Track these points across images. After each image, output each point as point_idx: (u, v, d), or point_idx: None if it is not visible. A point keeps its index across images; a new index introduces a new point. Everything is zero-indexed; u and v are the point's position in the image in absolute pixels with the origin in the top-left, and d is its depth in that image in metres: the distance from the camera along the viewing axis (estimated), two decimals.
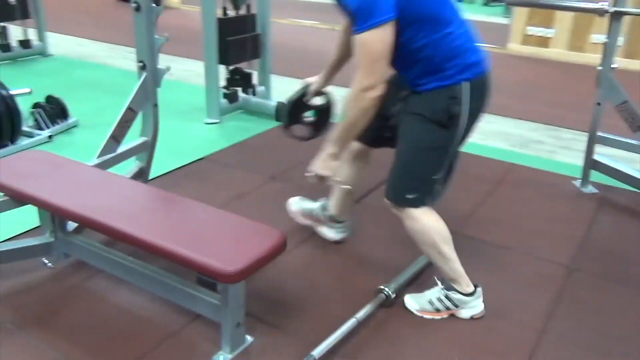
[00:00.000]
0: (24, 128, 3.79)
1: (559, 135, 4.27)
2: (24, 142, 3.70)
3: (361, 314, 2.11)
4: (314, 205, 2.62)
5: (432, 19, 1.84)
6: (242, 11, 4.25)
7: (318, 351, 1.91)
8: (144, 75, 2.65)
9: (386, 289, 2.21)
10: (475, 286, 2.15)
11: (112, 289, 2.29)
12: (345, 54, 2.30)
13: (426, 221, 2.05)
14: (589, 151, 3.16)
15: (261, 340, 2.05)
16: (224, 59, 4.19)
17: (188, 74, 5.45)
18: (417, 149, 2.00)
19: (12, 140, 3.62)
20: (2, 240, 2.50)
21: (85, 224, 2.11)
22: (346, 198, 2.51)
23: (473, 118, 1.97)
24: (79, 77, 5.26)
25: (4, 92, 3.54)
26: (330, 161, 2.08)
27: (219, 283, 1.79)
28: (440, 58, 1.86)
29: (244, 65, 4.44)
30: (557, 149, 4.00)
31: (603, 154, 3.26)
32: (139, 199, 2.17)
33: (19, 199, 2.19)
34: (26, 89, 4.18)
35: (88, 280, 2.33)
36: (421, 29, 1.83)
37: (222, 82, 4.33)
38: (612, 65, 2.92)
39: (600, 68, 2.96)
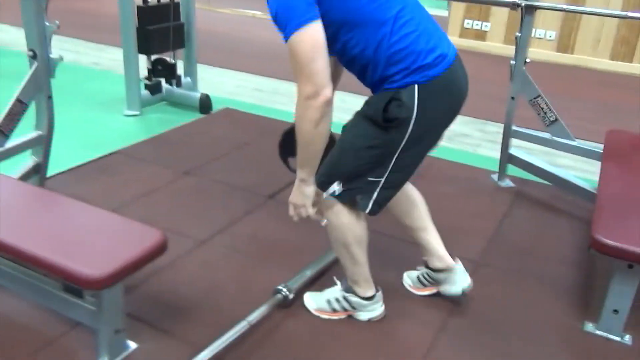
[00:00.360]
0: None
1: (485, 128, 4.27)
2: None
3: (253, 316, 2.02)
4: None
5: (360, 21, 1.66)
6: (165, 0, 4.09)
7: (200, 357, 1.82)
8: (35, 65, 2.48)
9: (284, 289, 2.13)
10: (377, 290, 2.08)
11: None
12: (334, 76, 1.93)
13: (346, 220, 1.90)
14: (505, 145, 3.15)
15: (146, 347, 1.95)
16: (144, 49, 4.02)
17: (115, 64, 5.24)
18: (350, 143, 1.82)
19: None
20: None
21: None
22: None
23: (434, 122, 1.80)
24: (2, 65, 4.99)
25: None
26: (302, 188, 1.83)
27: (84, 290, 1.66)
28: (383, 63, 1.70)
29: (169, 55, 4.28)
30: (483, 143, 4.00)
31: (521, 147, 3.26)
32: (12, 200, 2.02)
33: None
34: None
35: None
36: (352, 33, 1.68)
37: (145, 73, 4.17)
38: (525, 60, 2.90)
39: (513, 62, 2.94)
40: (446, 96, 1.78)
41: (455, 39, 6.79)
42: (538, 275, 2.48)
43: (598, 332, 2.14)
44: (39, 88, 2.52)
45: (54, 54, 2.53)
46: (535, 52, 6.35)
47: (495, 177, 3.31)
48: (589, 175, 3.31)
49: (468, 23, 6.68)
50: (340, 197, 1.87)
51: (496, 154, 3.48)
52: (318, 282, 2.29)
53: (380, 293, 2.10)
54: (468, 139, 4.06)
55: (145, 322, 2.05)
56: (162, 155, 3.44)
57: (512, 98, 3.01)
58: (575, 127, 3.22)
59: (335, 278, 2.15)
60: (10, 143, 2.52)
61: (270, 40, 6.61)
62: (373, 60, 1.71)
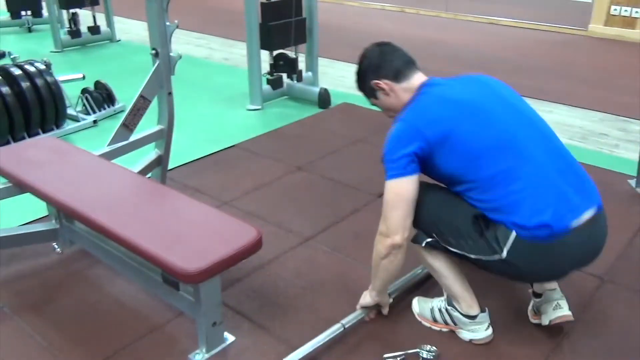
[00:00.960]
0: (72, 113, 3.92)
1: (627, 127, 3.86)
2: (69, 126, 3.82)
3: (348, 319, 1.98)
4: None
5: (471, 178, 1.76)
6: None
7: (293, 356, 1.81)
8: (157, 63, 2.62)
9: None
10: (482, 310, 1.94)
11: (109, 279, 2.29)
12: None
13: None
14: None
15: (243, 340, 1.98)
16: (266, 44, 4.12)
17: (244, 59, 5.43)
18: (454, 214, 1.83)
19: (57, 125, 3.76)
20: (16, 225, 2.58)
21: (69, 214, 2.12)
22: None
23: (525, 271, 1.78)
24: (138, 63, 5.38)
25: (49, 79, 3.67)
26: (367, 295, 2.03)
27: (181, 283, 1.72)
28: (485, 210, 1.76)
29: (290, 50, 4.35)
30: (622, 143, 3.62)
31: None
32: (127, 192, 2.14)
33: (20, 186, 2.24)
34: (79, 75, 4.34)
35: (89, 268, 2.36)
36: (458, 188, 1.80)
37: (267, 68, 4.27)
38: None
39: None
40: (548, 259, 1.72)
41: (599, 28, 6.22)
42: None
43: None
44: (161, 85, 2.66)
45: (174, 52, 2.65)
46: None
47: (633, 182, 2.97)
48: None
49: (615, 9, 6.08)
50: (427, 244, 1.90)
51: (636, 156, 3.12)
52: (430, 290, 2.18)
53: (486, 315, 1.94)
54: (605, 139, 3.69)
55: (244, 316, 2.09)
56: (277, 150, 3.50)
57: None
58: None
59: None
60: (135, 137, 2.69)
61: (396, 33, 6.52)
62: (479, 206, 1.77)
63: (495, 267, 1.77)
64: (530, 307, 2.06)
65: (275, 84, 4.32)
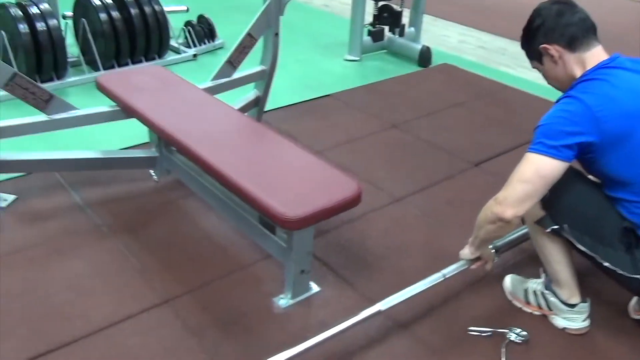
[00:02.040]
0: (174, 44, 3.97)
1: None
2: (170, 57, 3.88)
3: (450, 269, 1.87)
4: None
5: (633, 185, 1.62)
6: None
7: (386, 304, 1.74)
8: (267, 2, 2.57)
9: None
10: (583, 300, 1.84)
11: (202, 212, 2.33)
12: None
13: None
14: None
15: (327, 292, 1.97)
16: None
17: (344, 7, 5.31)
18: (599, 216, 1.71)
19: (160, 55, 3.82)
20: (117, 149, 2.67)
21: (173, 144, 2.14)
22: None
23: None
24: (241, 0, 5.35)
25: (157, 7, 3.71)
26: (467, 248, 1.88)
27: (278, 227, 1.71)
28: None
29: (395, 2, 4.19)
30: None
31: None
32: (231, 130, 2.15)
33: (127, 110, 2.28)
34: (183, 7, 4.37)
35: (183, 198, 2.41)
36: (620, 193, 1.65)
37: (370, 19, 4.15)
38: None
39: None
40: None
41: None
42: None
43: None
44: (269, 24, 2.62)
45: None
46: None
47: None
48: None
49: None
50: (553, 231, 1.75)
51: None
52: (525, 268, 2.09)
53: (587, 305, 1.84)
54: None
55: (330, 268, 2.08)
56: (373, 105, 3.42)
57: None
58: None
59: (541, 270, 1.94)
60: (237, 74, 2.68)
61: None
62: (633, 220, 1.64)
63: (625, 281, 1.66)
64: (633, 302, 1.94)
65: (377, 36, 4.19)
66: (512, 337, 1.82)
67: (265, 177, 1.81)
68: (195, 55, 3.98)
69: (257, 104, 2.84)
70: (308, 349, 1.57)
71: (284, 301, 1.91)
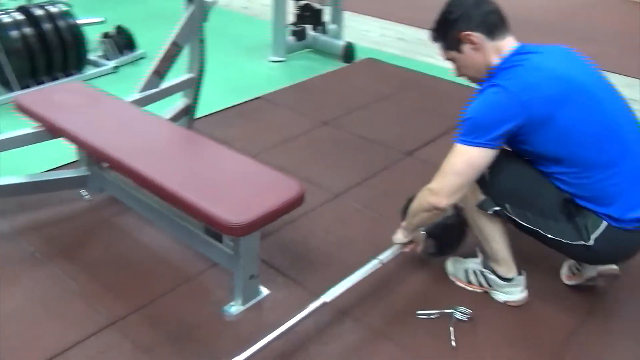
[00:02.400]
0: (92, 57, 3.85)
1: None
2: (90, 71, 3.76)
3: (385, 255, 1.95)
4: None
5: (567, 162, 1.69)
6: None
7: (330, 296, 1.79)
8: (190, 8, 2.54)
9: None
10: (519, 274, 1.94)
11: (140, 228, 2.28)
12: None
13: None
14: None
15: (277, 294, 1.98)
16: None
17: (264, 9, 5.31)
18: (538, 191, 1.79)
19: (79, 69, 3.69)
20: (43, 170, 2.56)
21: (106, 161, 2.09)
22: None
23: (606, 255, 1.79)
24: (158, 8, 5.25)
25: (70, 21, 3.58)
26: (399, 233, 1.98)
27: (224, 235, 1.70)
28: (579, 196, 1.72)
29: (315, 1, 4.24)
30: None
31: None
32: (164, 140, 2.11)
33: (53, 131, 2.20)
34: (99, 18, 4.24)
35: (118, 215, 2.35)
36: (553, 168, 1.72)
37: (292, 19, 4.17)
38: None
39: None
40: (628, 245, 1.75)
41: None
42: None
43: None
44: (193, 31, 2.59)
45: None
46: None
47: None
48: None
49: None
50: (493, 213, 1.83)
51: None
52: (461, 249, 2.17)
53: (522, 278, 1.94)
54: (633, 105, 3.61)
55: (277, 270, 2.09)
56: (303, 104, 3.45)
57: None
58: None
59: (477, 249, 2.02)
60: (165, 84, 2.64)
61: None
62: (569, 191, 1.72)
63: (570, 249, 1.76)
64: (565, 269, 2.06)
65: (300, 35, 4.23)
66: (458, 315, 1.90)
67: (206, 186, 1.79)
68: (116, 67, 3.87)
69: (188, 112, 2.81)
70: (260, 350, 1.59)
71: (234, 308, 1.91)
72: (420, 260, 2.11)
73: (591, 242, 1.69)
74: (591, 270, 1.93)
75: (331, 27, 4.37)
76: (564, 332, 1.86)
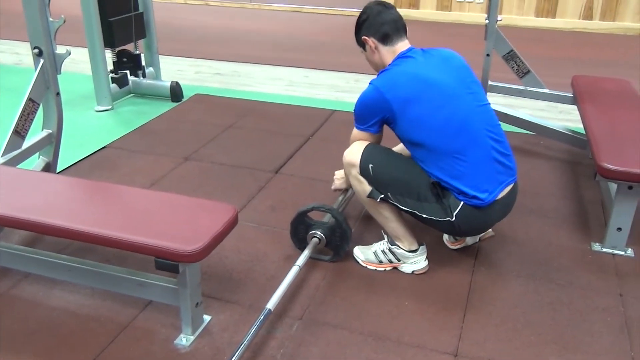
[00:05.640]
0: None
1: None
2: None
3: (301, 260, 2.17)
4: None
5: (424, 146, 2.07)
6: None
7: (272, 303, 1.94)
8: (41, 62, 2.46)
9: (317, 231, 2.30)
10: (420, 244, 2.28)
11: (44, 292, 2.14)
12: None
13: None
14: None
15: (219, 317, 2.05)
16: (109, 41, 3.96)
17: (67, 62, 5.08)
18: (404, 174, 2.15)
19: None
20: None
21: (17, 226, 1.95)
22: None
23: (467, 226, 2.15)
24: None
25: None
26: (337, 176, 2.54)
27: (180, 265, 1.74)
28: (438, 177, 2.09)
29: (131, 47, 4.23)
30: None
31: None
32: (68, 192, 2.04)
33: None
34: None
35: (15, 287, 2.17)
36: (418, 152, 2.11)
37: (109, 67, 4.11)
38: (497, 19, 3.16)
39: (487, 21, 3.19)
40: (482, 219, 2.14)
41: None
42: (537, 210, 2.76)
43: (605, 249, 2.45)
44: (47, 85, 2.50)
45: (59, 50, 2.51)
46: (467, 16, 6.74)
47: None
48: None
49: None
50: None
51: None
52: (366, 238, 2.46)
53: (424, 247, 2.29)
54: None
55: (208, 296, 2.14)
56: (154, 145, 3.45)
57: (488, 55, 3.27)
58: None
59: (382, 231, 2.31)
60: (26, 144, 2.49)
61: (219, 26, 6.65)
62: (434, 174, 2.09)
63: (440, 225, 2.14)
64: (447, 237, 2.46)
65: (121, 82, 4.18)
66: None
67: (146, 224, 1.81)
68: None
69: (48, 170, 2.67)
70: None
71: (185, 339, 1.93)
72: (321, 263, 2.35)
73: (454, 219, 2.08)
74: (474, 238, 2.39)
75: (149, 70, 4.40)
76: (464, 284, 2.24)
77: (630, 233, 2.41)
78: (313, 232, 2.30)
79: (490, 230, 2.37)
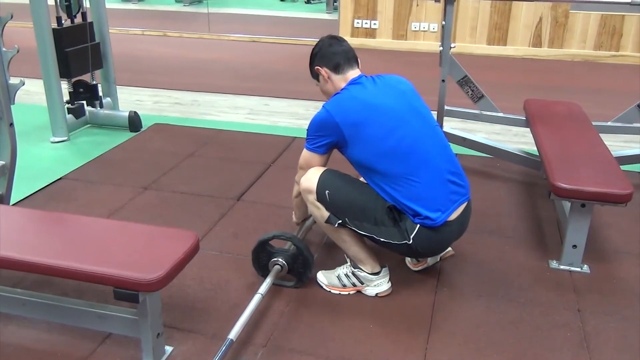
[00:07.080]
0: None
1: None
2: None
3: (263, 287, 2.16)
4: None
5: (375, 170, 2.11)
6: (78, 20, 4.00)
7: (234, 333, 1.92)
8: None
9: (279, 259, 2.29)
10: (382, 267, 2.29)
11: None
12: None
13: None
14: (439, 124, 3.49)
15: (181, 348, 2.00)
16: (65, 72, 3.91)
17: (20, 94, 4.98)
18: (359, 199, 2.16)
19: None
20: None
21: None
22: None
23: (423, 248, 2.17)
24: None
25: None
26: (294, 217, 2.57)
27: (140, 294, 1.71)
28: (392, 201, 2.12)
29: (87, 77, 4.18)
30: None
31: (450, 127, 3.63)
32: (22, 224, 1.98)
33: None
34: None
35: None
36: (370, 177, 2.16)
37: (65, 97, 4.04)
38: (451, 45, 3.25)
39: (441, 48, 3.28)
40: (439, 239, 2.17)
41: (347, 39, 7.17)
42: (496, 230, 2.82)
43: (562, 266, 2.51)
44: (0, 116, 2.44)
45: (12, 80, 2.46)
46: (422, 44, 6.93)
47: None
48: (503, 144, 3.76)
49: (358, 23, 7.10)
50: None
51: None
52: (329, 263, 2.44)
53: (386, 269, 2.30)
54: None
55: (170, 326, 2.09)
56: (112, 176, 3.39)
57: (443, 80, 3.35)
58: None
59: (345, 255, 2.32)
60: None
61: (178, 56, 6.65)
62: (389, 197, 2.12)
63: (399, 248, 2.16)
64: (409, 258, 2.48)
65: (78, 112, 4.11)
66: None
67: (105, 254, 1.77)
68: None
69: (2, 202, 2.59)
70: None
71: None
72: (285, 289, 2.33)
73: (411, 241, 2.11)
74: (435, 258, 2.42)
75: (106, 100, 4.35)
76: (427, 305, 2.26)
77: (585, 250, 2.48)
78: (275, 259, 2.29)
79: (450, 249, 2.40)
